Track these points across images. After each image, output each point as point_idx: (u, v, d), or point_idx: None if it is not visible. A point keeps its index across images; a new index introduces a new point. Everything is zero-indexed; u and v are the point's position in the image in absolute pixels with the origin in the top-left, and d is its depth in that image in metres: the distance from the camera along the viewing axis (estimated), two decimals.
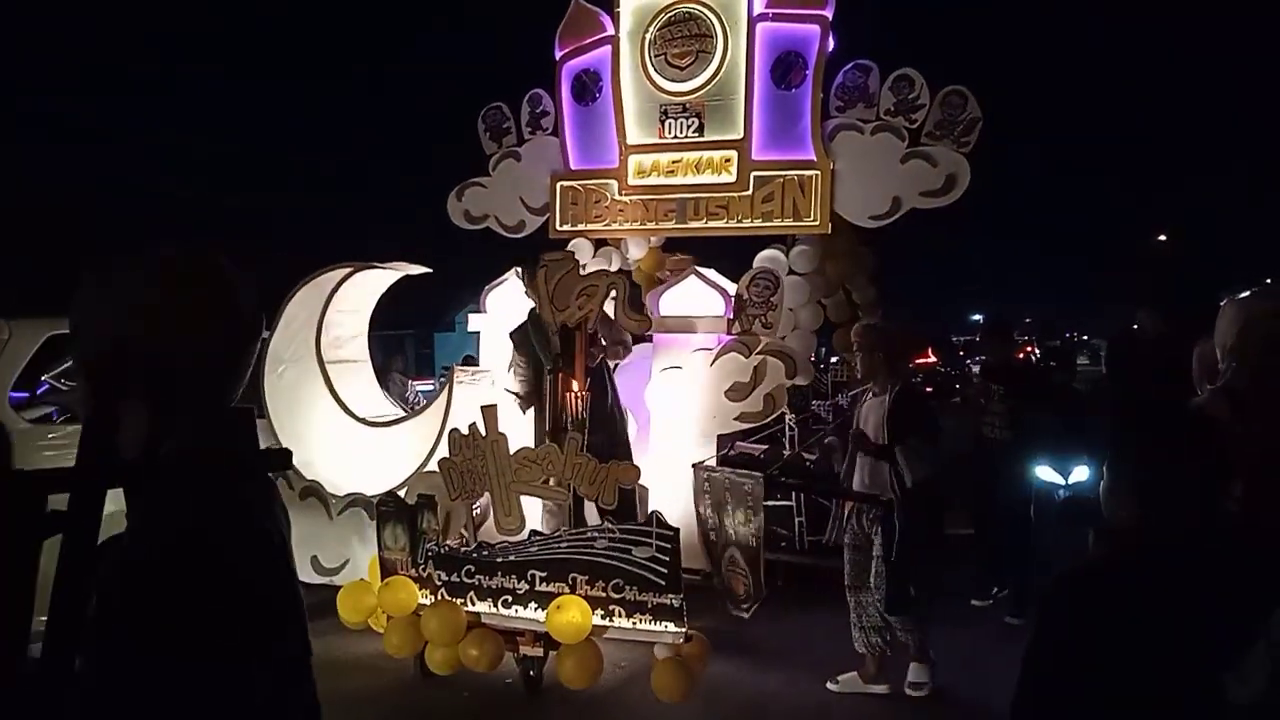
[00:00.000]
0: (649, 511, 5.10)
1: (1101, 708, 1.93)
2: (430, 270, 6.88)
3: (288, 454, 1.59)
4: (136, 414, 1.36)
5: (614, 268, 8.14)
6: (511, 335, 6.44)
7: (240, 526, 1.37)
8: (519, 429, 6.24)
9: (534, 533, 5.35)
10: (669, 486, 6.37)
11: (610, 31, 7.73)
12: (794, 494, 7.28)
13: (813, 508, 7.46)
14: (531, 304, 5.98)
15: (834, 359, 8.59)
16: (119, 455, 1.33)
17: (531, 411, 6.23)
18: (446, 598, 5.44)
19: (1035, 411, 6.23)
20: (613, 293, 5.55)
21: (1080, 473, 5.94)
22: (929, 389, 7.85)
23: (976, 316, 50.69)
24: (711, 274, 6.94)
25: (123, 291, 1.40)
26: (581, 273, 5.85)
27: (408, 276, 7.16)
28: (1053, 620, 2.04)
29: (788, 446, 7.43)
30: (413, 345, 12.75)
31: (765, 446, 5.85)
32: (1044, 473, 6.03)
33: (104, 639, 1.24)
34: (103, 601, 1.23)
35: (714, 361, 6.37)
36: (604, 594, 5.11)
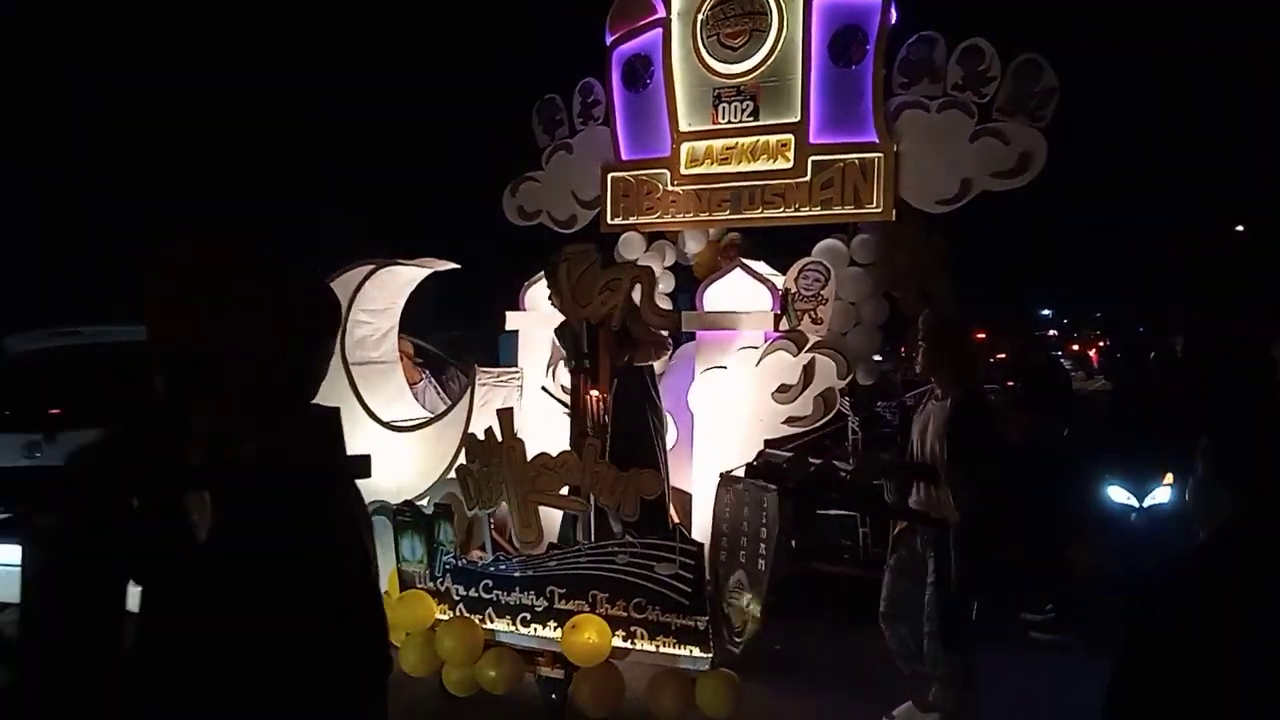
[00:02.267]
0: (675, 523, 4.69)
1: (1209, 704, 1.84)
2: (459, 266, 6.59)
3: (367, 460, 1.56)
4: (204, 416, 1.33)
5: (667, 263, 7.74)
6: (557, 331, 6.12)
7: (311, 536, 1.34)
8: (559, 436, 5.90)
9: (552, 546, 5.00)
10: (713, 496, 5.95)
11: (661, 13, 7.31)
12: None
13: (878, 517, 6.97)
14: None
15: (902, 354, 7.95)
16: (195, 459, 1.31)
17: (558, 416, 5.87)
18: (464, 614, 5.13)
19: (1043, 417, 5.58)
20: (638, 287, 5.13)
21: (1161, 493, 5.22)
22: (1010, 383, 7.42)
23: (1046, 311, 48.56)
24: (760, 266, 6.47)
25: (178, 290, 1.36)
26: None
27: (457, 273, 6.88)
28: (1154, 616, 1.97)
29: (851, 450, 6.92)
30: (480, 345, 12.56)
31: (789, 454, 5.33)
32: (1116, 494, 5.32)
33: (167, 628, 1.25)
34: (170, 591, 1.25)
35: (760, 361, 5.89)
36: (625, 614, 4.74)
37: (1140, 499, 5.33)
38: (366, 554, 1.46)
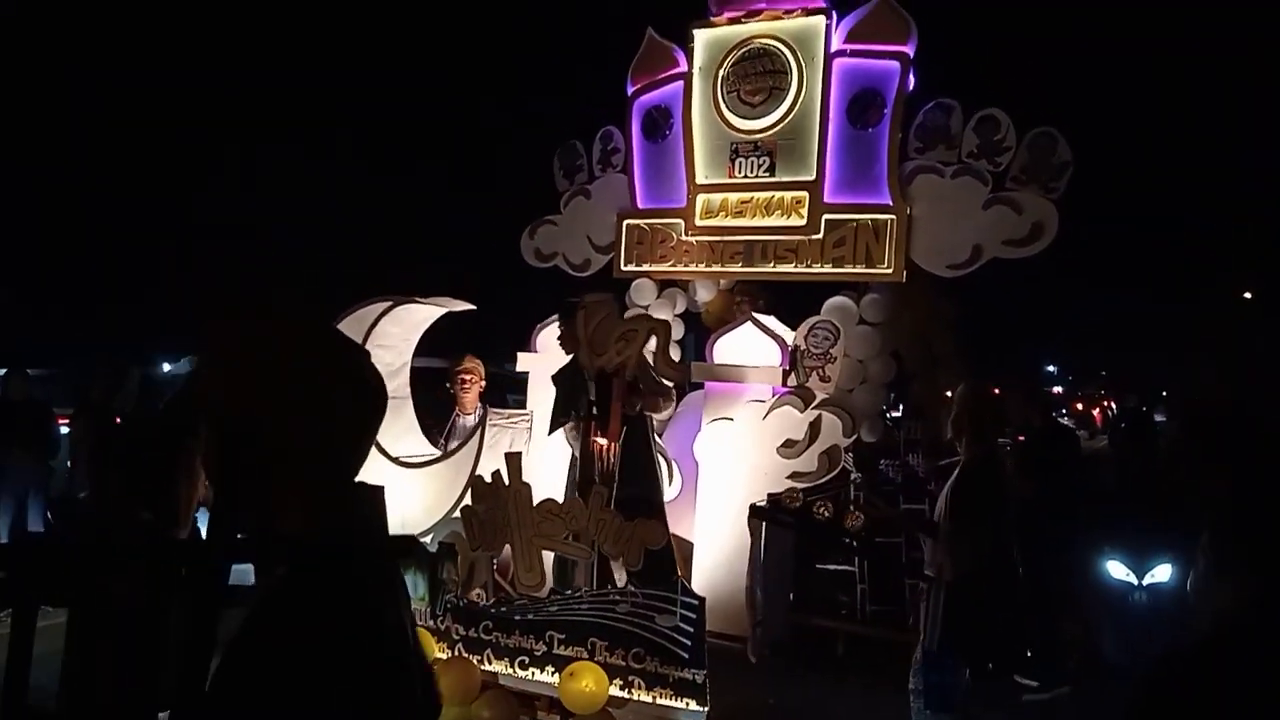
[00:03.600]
0: (677, 575, 4.73)
1: None
2: (474, 307, 6.67)
3: (411, 540, 1.48)
4: (262, 489, 1.33)
5: (678, 310, 7.84)
6: (554, 378, 6.22)
7: (358, 619, 1.32)
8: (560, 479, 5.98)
9: (554, 591, 5.03)
10: (715, 545, 6.00)
11: (683, 67, 7.47)
12: (856, 559, 6.81)
13: (877, 574, 6.98)
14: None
15: (894, 413, 7.94)
16: (247, 531, 1.35)
17: (567, 462, 5.92)
18: (463, 654, 5.15)
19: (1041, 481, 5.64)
20: (653, 339, 5.21)
21: (1161, 572, 5.14)
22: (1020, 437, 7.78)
23: (1051, 367, 48.26)
24: (770, 321, 6.55)
25: (237, 363, 1.34)
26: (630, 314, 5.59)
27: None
28: (1156, 708, 1.95)
29: (853, 507, 6.96)
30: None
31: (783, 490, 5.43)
32: (1116, 569, 5.28)
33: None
34: (217, 682, 1.23)
35: (766, 415, 5.97)
36: (624, 663, 4.74)
37: (1140, 576, 5.27)
38: (408, 634, 1.43)
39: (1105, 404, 33.76)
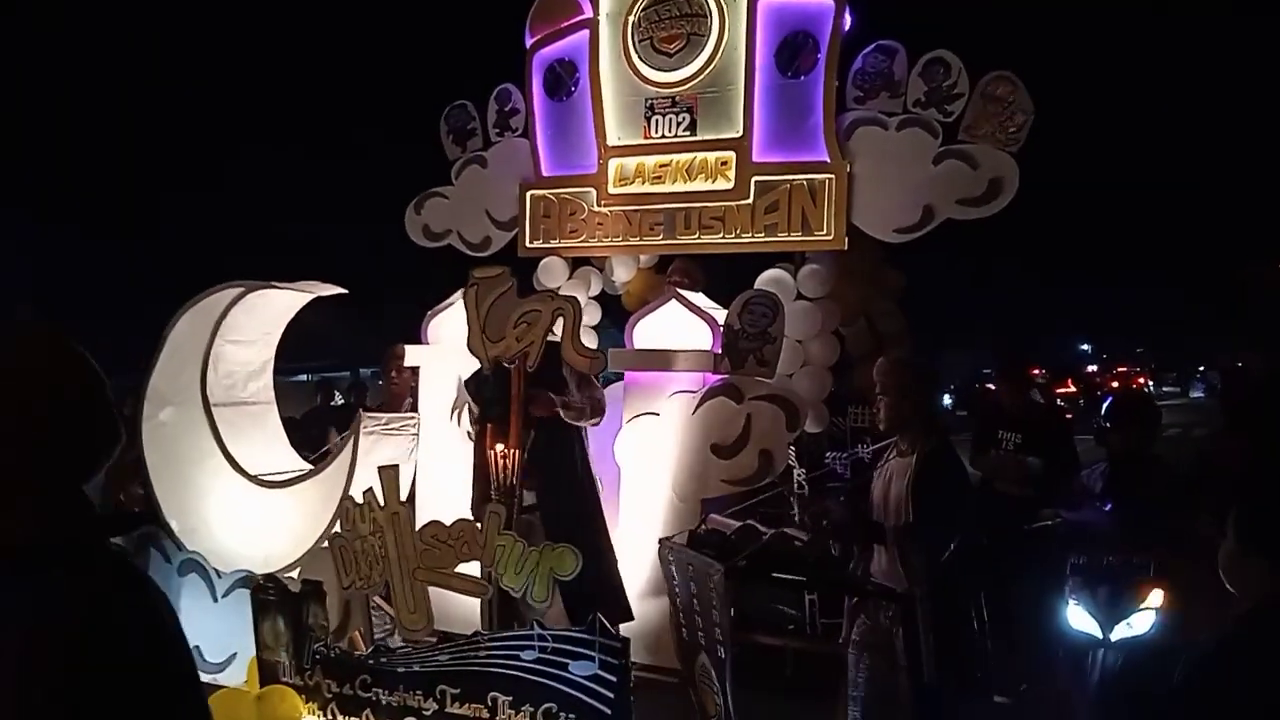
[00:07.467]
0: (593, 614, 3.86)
1: None
2: (345, 291, 5.66)
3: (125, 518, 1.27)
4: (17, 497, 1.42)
5: (593, 293, 6.96)
6: (466, 383, 5.43)
7: (141, 610, 1.42)
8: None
9: (445, 635, 4.12)
10: (640, 564, 5.13)
11: (588, 13, 6.58)
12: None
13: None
14: None
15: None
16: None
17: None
18: (337, 715, 4.22)
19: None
20: (560, 321, 4.31)
21: (1140, 621, 4.12)
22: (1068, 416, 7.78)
23: (1085, 346, 48.04)
24: (698, 298, 5.70)
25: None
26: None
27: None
28: (1200, 695, 1.94)
29: (796, 510, 6.17)
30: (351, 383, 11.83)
31: (739, 524, 4.53)
32: (1077, 617, 4.32)
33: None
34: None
35: (697, 408, 5.12)
36: None
37: (1108, 628, 4.27)
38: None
39: (1139, 381, 33.13)
